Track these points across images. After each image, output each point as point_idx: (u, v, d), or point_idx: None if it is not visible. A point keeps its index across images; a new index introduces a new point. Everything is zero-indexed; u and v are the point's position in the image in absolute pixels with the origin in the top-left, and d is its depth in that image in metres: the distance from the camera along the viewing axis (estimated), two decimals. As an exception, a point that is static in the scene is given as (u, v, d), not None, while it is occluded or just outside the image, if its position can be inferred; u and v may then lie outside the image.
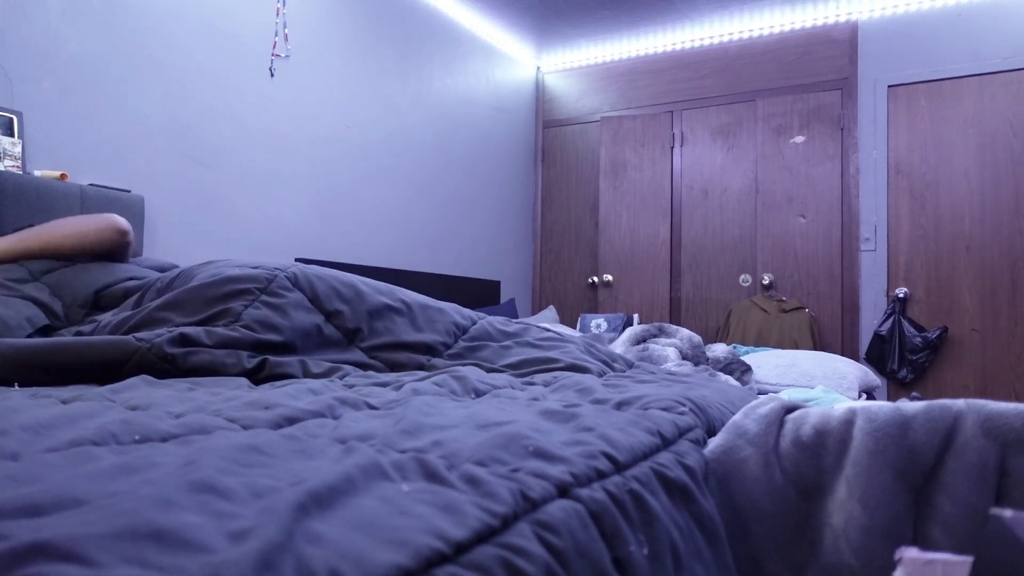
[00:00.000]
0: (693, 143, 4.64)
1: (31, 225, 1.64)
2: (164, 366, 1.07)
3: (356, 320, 1.30)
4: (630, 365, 1.47)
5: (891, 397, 3.96)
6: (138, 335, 1.10)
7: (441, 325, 1.37)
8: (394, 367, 1.27)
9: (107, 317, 1.34)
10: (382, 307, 1.33)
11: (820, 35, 4.29)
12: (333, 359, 1.22)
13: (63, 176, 2.25)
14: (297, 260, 3.17)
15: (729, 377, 1.98)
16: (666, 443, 0.75)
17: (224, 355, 1.11)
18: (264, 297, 1.25)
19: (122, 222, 1.61)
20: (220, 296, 1.24)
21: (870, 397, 2.54)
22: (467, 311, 1.47)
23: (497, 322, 1.45)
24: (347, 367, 1.19)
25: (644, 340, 2.18)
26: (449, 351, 1.34)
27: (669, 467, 0.69)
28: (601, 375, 1.29)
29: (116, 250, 1.61)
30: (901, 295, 3.99)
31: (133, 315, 1.26)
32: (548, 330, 1.46)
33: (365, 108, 3.63)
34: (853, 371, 2.40)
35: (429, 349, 1.31)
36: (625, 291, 4.72)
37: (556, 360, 1.30)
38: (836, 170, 4.19)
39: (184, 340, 1.11)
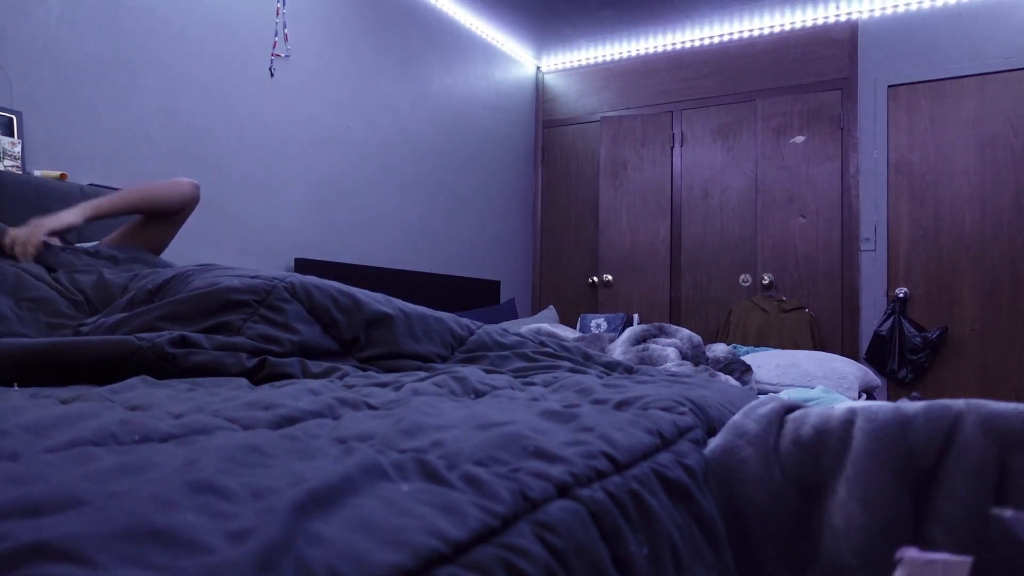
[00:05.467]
0: (693, 143, 4.64)
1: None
2: (164, 365, 1.07)
3: (353, 330, 1.29)
4: (630, 371, 1.46)
5: (891, 397, 3.96)
6: (139, 335, 1.10)
7: (438, 335, 1.36)
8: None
9: (101, 318, 1.34)
10: (380, 316, 1.32)
11: (820, 35, 4.29)
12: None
13: (63, 176, 2.25)
14: (297, 260, 3.17)
15: (729, 377, 1.98)
16: (666, 443, 0.75)
17: (224, 355, 1.11)
18: (263, 310, 1.23)
19: (196, 185, 1.96)
20: (218, 307, 1.23)
21: (870, 397, 2.54)
22: (465, 320, 1.46)
23: (495, 332, 1.44)
24: (346, 367, 1.19)
25: (644, 340, 2.18)
26: (446, 363, 1.33)
27: (669, 467, 0.69)
28: (600, 379, 1.28)
29: (191, 207, 1.94)
30: (901, 295, 3.99)
31: (129, 318, 1.25)
32: (546, 345, 1.45)
33: (365, 108, 3.63)
34: (853, 371, 2.40)
35: (426, 360, 1.30)
36: (625, 291, 4.72)
37: (555, 366, 1.30)
38: (836, 170, 4.19)
39: (184, 342, 1.11)
